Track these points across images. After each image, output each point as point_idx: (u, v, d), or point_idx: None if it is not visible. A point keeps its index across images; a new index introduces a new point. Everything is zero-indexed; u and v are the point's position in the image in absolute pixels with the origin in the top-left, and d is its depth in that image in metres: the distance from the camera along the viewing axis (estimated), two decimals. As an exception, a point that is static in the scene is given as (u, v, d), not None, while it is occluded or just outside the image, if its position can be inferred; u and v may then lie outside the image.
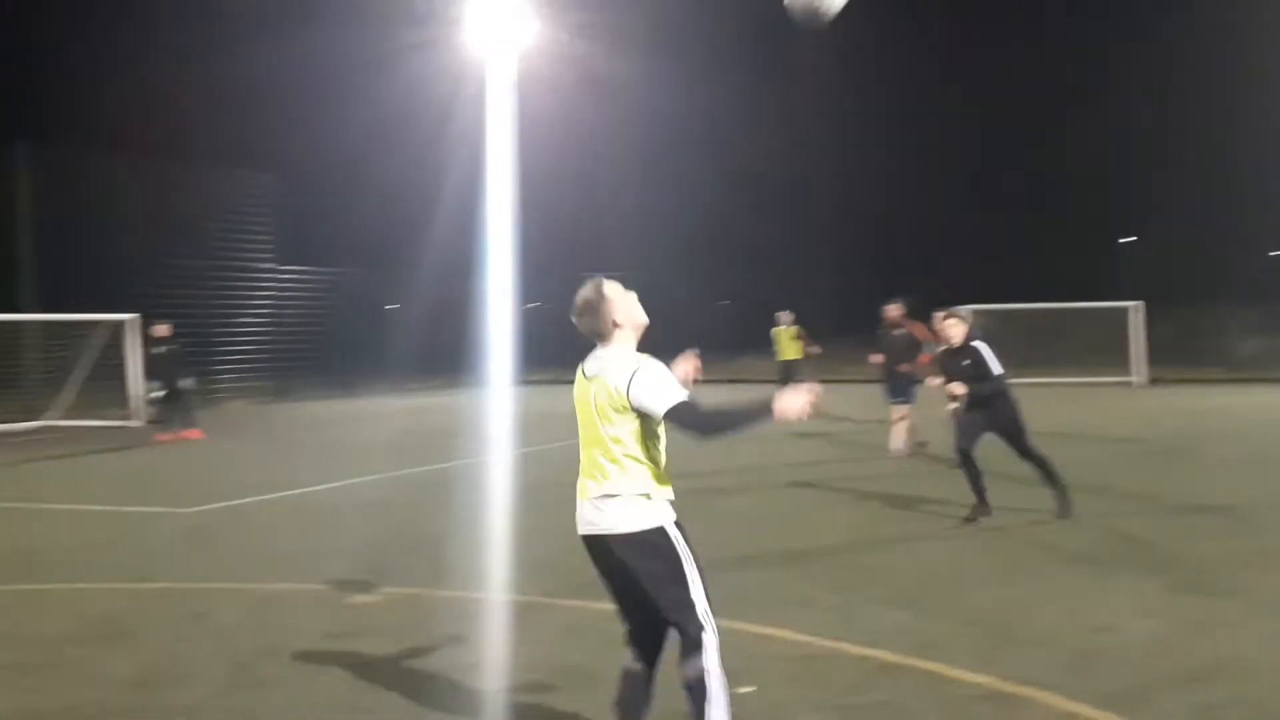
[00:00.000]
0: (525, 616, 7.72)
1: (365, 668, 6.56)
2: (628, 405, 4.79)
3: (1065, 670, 6.32)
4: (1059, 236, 49.58)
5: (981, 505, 10.79)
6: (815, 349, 23.62)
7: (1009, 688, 6.05)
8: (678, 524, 4.95)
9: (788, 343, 23.69)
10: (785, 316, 23.96)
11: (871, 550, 9.71)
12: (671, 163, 46.92)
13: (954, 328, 10.85)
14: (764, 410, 4.70)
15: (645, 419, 4.81)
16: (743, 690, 5.71)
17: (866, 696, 5.94)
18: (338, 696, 6.07)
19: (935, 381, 11.36)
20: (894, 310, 15.81)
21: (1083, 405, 25.45)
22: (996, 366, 10.57)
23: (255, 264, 32.43)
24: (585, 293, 5.03)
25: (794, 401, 4.65)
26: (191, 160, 32.12)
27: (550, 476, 14.77)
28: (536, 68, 32.26)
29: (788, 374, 23.35)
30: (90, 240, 27.42)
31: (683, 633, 4.90)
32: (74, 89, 42.03)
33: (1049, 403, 26.79)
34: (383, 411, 25.75)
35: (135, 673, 6.54)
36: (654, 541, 4.87)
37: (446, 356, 32.39)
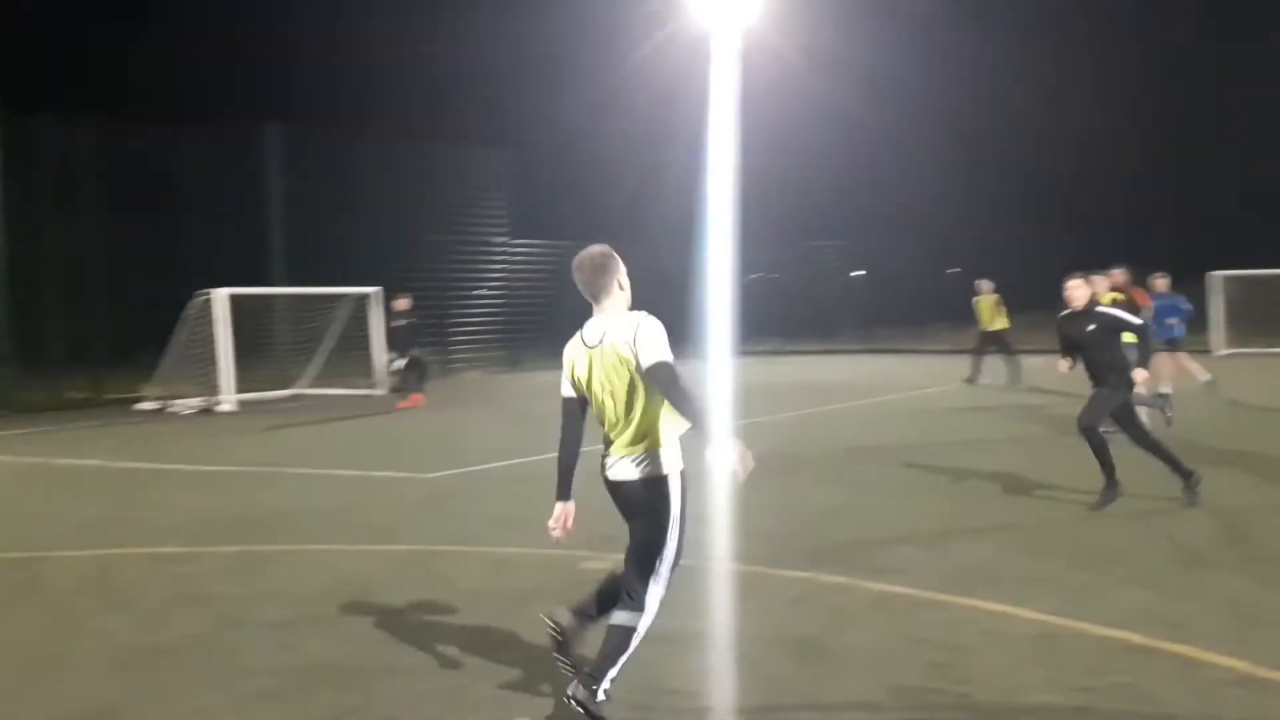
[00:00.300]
0: (751, 586, 7.74)
1: (594, 632, 6.70)
2: (637, 359, 5.07)
3: (1327, 657, 5.96)
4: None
5: (1110, 487, 10.02)
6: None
7: (1264, 673, 5.75)
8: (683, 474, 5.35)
9: (989, 312, 22.87)
10: (985, 285, 23.13)
11: (1106, 526, 9.35)
12: (899, 130, 45.92)
13: (1076, 290, 10.22)
14: (718, 434, 5.08)
15: None
16: None
17: (1109, 679, 5.73)
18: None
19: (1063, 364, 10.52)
20: (1117, 276, 14.91)
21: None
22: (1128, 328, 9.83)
23: (490, 238, 33.38)
24: (595, 253, 5.47)
25: (733, 456, 5.04)
26: (433, 138, 33.23)
27: (774, 448, 14.75)
28: (762, 35, 32.05)
29: (991, 344, 22.54)
30: (336, 217, 28.71)
31: (645, 569, 5.27)
32: (321, 70, 44.00)
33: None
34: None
35: (381, 633, 6.85)
36: (661, 490, 5.28)
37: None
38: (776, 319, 37.36)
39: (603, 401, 5.28)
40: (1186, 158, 48.05)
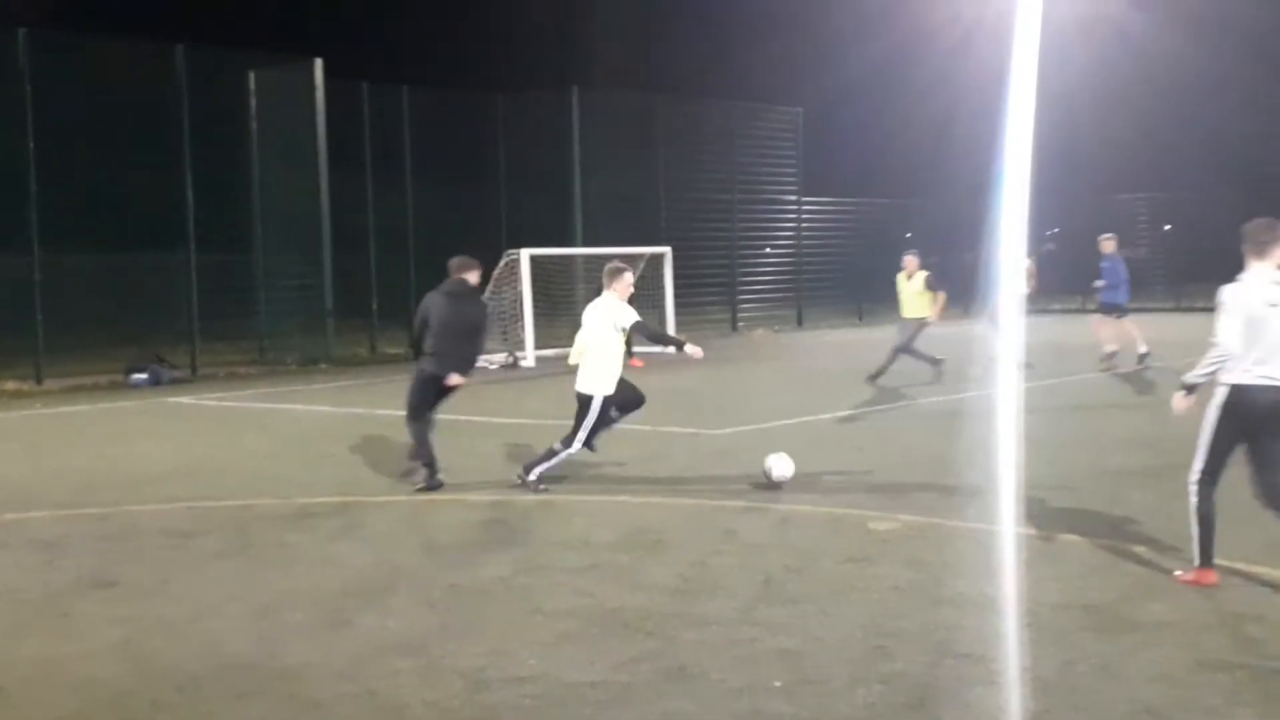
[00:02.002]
0: (1047, 552, 7.54)
1: (885, 592, 6.71)
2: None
3: None
4: None
5: None
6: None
7: None
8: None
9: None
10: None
11: None
12: (1219, 68, 42.83)
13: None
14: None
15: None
16: None
17: None
18: (859, 618, 6.25)
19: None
20: None
21: None
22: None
23: (781, 196, 33.36)
24: (617, 267, 10.27)
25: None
26: (725, 97, 33.42)
27: (1061, 410, 14.25)
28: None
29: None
30: (632, 178, 29.33)
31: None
32: (614, 33, 44.87)
33: None
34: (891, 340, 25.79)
35: (674, 582, 7.06)
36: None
37: (962, 285, 31.87)
38: (1076, 274, 35.74)
39: None
40: None
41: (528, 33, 44.92)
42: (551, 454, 9.94)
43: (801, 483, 9.98)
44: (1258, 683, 5.17)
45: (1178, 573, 6.77)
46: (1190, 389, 6.85)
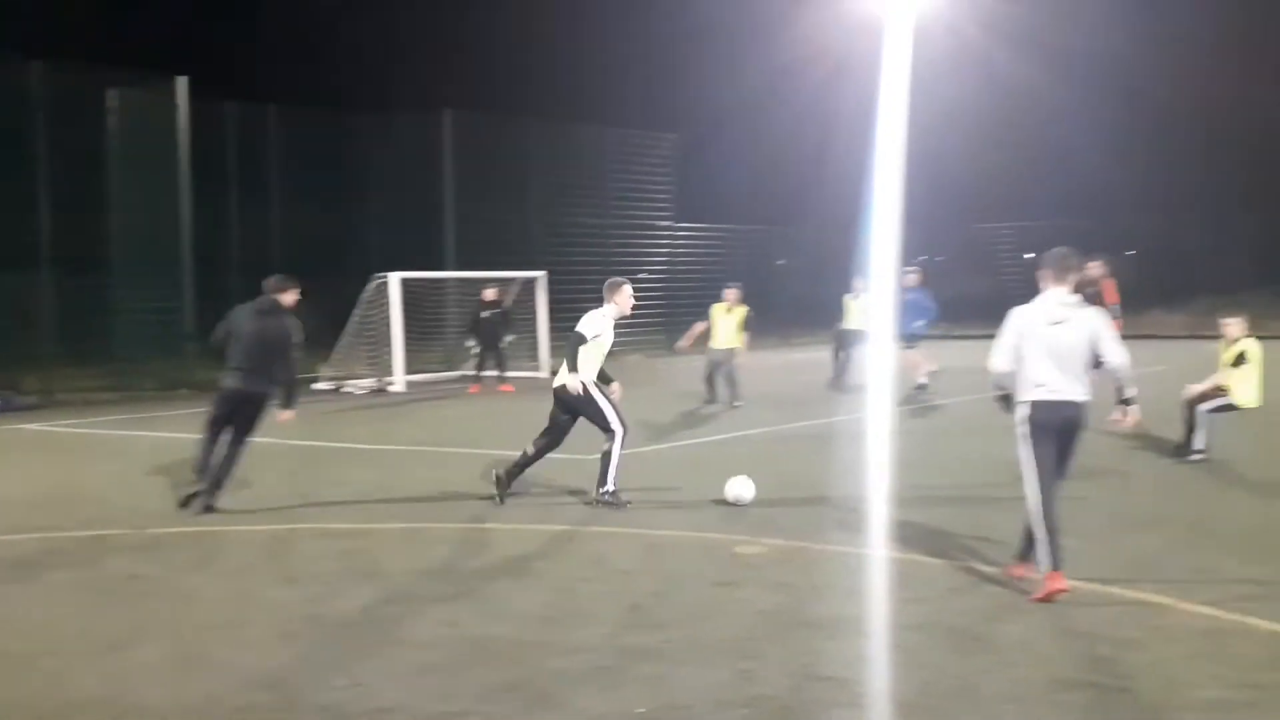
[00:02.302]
0: (910, 574, 7.65)
1: (751, 616, 6.73)
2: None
3: None
4: None
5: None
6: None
7: None
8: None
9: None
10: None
11: (1277, 519, 8.97)
12: (1080, 106, 44.40)
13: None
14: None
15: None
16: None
17: (1278, 675, 5.51)
18: (724, 642, 6.25)
19: None
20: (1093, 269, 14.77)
21: None
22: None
23: (654, 221, 33.53)
24: (615, 281, 10.89)
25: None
26: (598, 122, 33.49)
27: (932, 434, 14.54)
28: (934, 9, 31.43)
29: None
30: (504, 202, 29.24)
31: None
32: (489, 58, 44.79)
33: None
34: (770, 365, 26.08)
35: (540, 610, 6.99)
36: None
37: (833, 310, 32.40)
38: (945, 303, 36.59)
39: None
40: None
41: (399, 54, 44.57)
42: (607, 457, 10.10)
43: (671, 507, 10.00)
44: (1107, 701, 5.29)
45: (1033, 595, 6.91)
46: (1005, 398, 7.39)
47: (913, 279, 19.67)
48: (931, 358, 19.35)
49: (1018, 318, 7.29)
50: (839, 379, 20.17)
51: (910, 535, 8.74)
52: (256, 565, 8.42)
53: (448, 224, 27.66)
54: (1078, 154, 44.07)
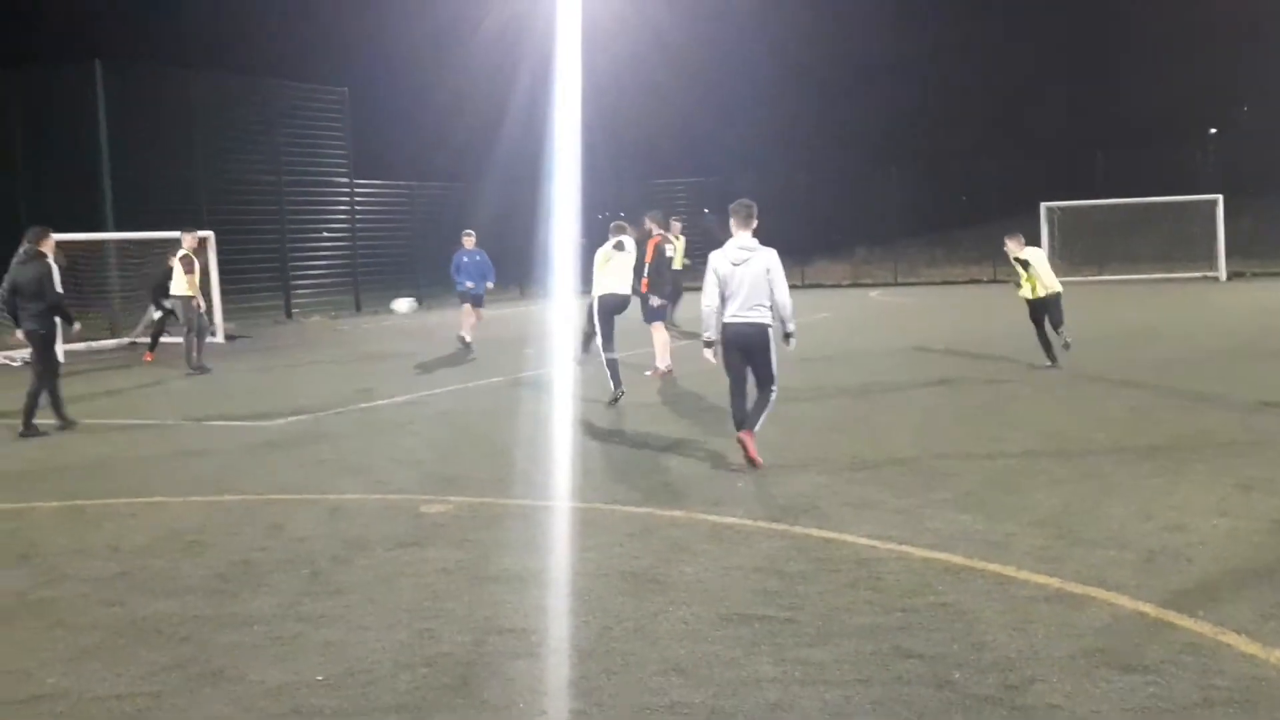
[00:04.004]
0: (590, 523, 7.80)
1: (433, 575, 6.69)
2: None
3: (1134, 570, 6.27)
4: (1139, 129, 48.04)
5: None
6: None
7: (1075, 588, 6.02)
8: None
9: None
10: (677, 226, 22.07)
11: (936, 454, 9.67)
12: (738, 63, 46.12)
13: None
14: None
15: None
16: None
17: (928, 599, 5.94)
18: (406, 603, 6.20)
19: None
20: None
21: (1164, 301, 25.03)
22: None
23: (331, 178, 32.61)
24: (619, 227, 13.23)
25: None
26: (266, 74, 32.22)
27: (603, 386, 14.82)
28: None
29: None
30: (167, 158, 27.74)
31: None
32: (147, 6, 42.27)
33: (1130, 299, 26.33)
34: (453, 323, 26.00)
35: (213, 584, 6.71)
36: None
37: (516, 268, 32.52)
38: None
39: None
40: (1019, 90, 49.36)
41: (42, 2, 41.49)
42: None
43: (355, 471, 9.81)
44: (773, 632, 5.56)
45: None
46: (709, 343, 9.37)
47: (469, 241, 20.61)
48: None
49: (714, 259, 9.22)
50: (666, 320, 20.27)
51: (590, 486, 8.90)
52: (-108, 556, 7.72)
53: (104, 182, 25.97)
54: (740, 114, 45.91)
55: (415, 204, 35.51)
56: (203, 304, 18.61)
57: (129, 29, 39.70)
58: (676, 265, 19.88)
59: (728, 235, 9.41)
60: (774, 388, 9.29)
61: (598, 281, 13.45)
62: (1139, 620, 5.57)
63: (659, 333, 15.42)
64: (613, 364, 13.10)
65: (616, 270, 13.48)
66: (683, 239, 22.40)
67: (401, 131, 41.62)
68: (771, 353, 9.22)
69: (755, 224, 9.34)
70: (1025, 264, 14.70)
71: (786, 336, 9.32)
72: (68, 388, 13.76)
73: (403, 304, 20.12)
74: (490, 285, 20.70)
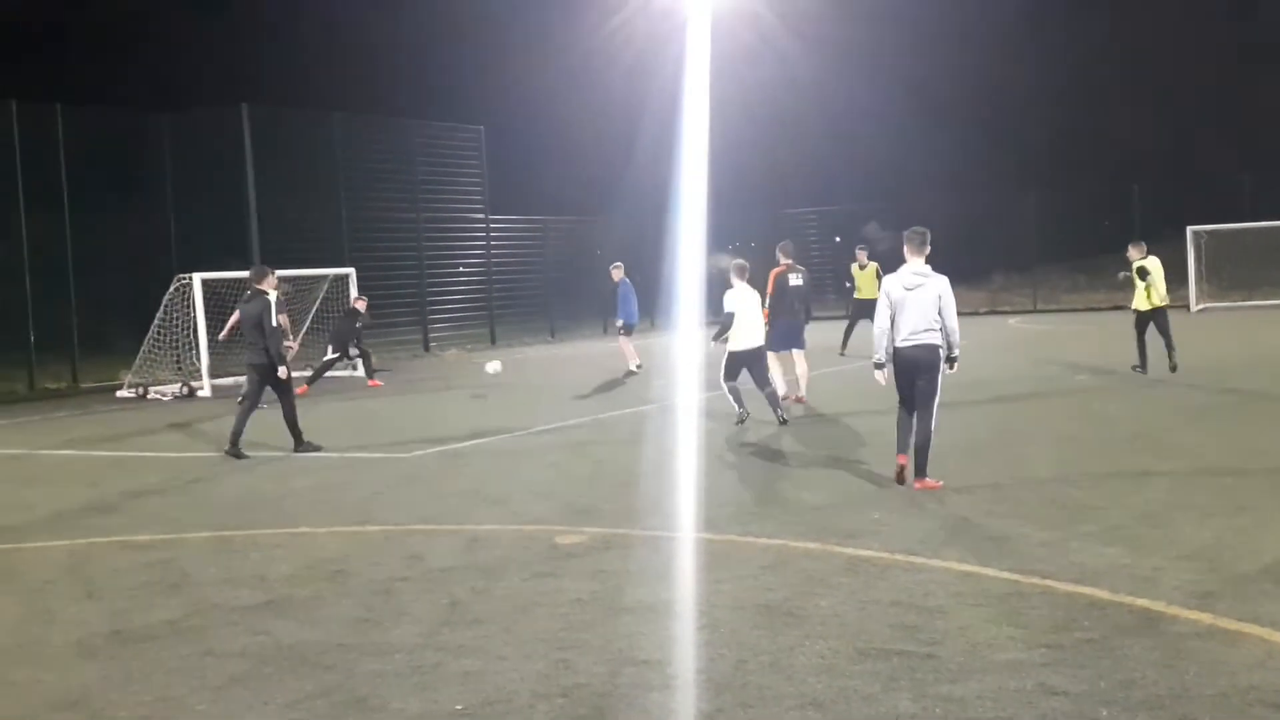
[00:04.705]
0: (724, 555, 7.77)
1: (568, 606, 6.73)
2: None
3: (1290, 607, 6.02)
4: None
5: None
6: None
7: (1228, 624, 5.81)
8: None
9: (868, 281, 21.91)
10: (862, 254, 22.96)
11: (1081, 484, 9.41)
12: (870, 96, 45.83)
13: None
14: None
15: None
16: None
17: (1074, 635, 5.78)
18: (542, 633, 6.24)
19: None
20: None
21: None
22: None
23: (468, 214, 33.20)
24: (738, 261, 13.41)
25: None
26: (404, 115, 33.03)
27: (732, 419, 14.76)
28: (732, 5, 31.95)
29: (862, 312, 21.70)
30: (310, 197, 28.59)
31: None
32: (290, 50, 43.72)
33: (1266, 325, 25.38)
34: (588, 355, 26.20)
35: (356, 613, 6.85)
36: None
37: (648, 300, 32.70)
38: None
39: None
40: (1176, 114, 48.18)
41: (192, 50, 43.20)
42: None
43: (492, 501, 9.94)
44: (913, 667, 5.47)
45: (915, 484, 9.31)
46: (879, 364, 9.68)
47: (618, 273, 21.04)
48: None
49: (889, 283, 9.53)
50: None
51: (722, 517, 8.87)
52: (56, 582, 8.06)
53: (251, 222, 26.85)
54: (867, 141, 45.62)
55: (549, 238, 35.94)
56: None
57: (274, 74, 41.10)
58: (867, 295, 20.63)
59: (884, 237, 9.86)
60: (935, 405, 9.45)
61: (733, 336, 13.52)
62: (1298, 659, 5.35)
63: (799, 361, 15.43)
64: (734, 390, 13.52)
65: (747, 318, 13.51)
66: (872, 264, 22.43)
67: (534, 167, 42.24)
68: (939, 372, 9.50)
69: (929, 250, 9.52)
70: (1144, 272, 14.48)
71: (950, 360, 9.56)
72: (215, 421, 14.20)
73: (493, 365, 20.64)
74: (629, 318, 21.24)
